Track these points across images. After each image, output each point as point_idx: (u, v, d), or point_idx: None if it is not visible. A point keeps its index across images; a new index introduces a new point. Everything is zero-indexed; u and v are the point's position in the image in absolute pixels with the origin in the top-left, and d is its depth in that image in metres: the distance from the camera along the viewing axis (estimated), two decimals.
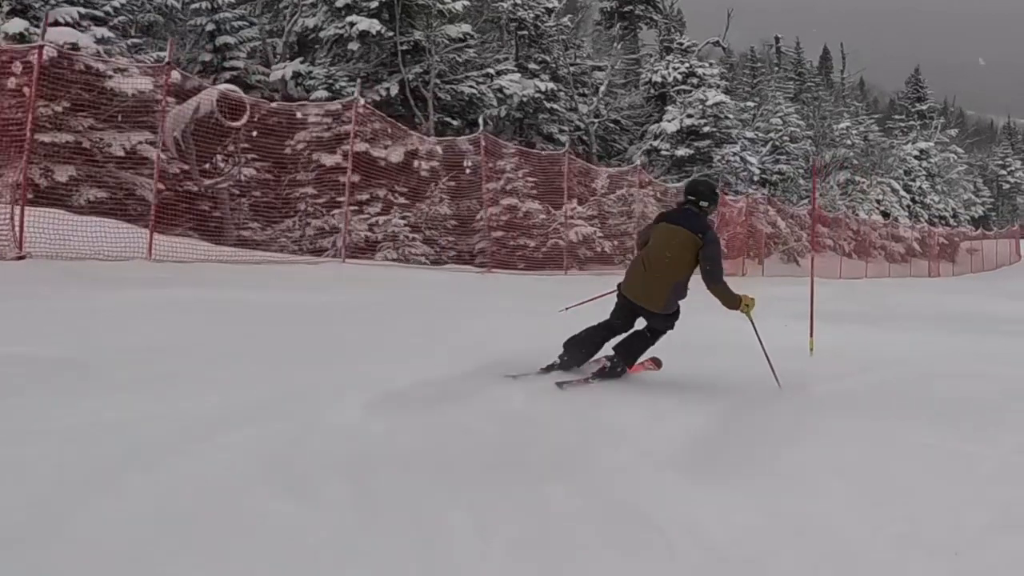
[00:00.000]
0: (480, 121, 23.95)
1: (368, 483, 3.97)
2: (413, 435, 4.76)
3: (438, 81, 27.41)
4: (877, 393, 7.41)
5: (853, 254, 37.42)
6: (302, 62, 27.85)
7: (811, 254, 13.35)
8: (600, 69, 33.87)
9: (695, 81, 35.12)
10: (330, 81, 26.82)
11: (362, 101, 21.33)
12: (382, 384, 5.67)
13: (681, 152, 29.44)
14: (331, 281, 13.12)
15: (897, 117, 58.35)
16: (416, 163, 23.51)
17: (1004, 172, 77.08)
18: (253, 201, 21.89)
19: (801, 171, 38.14)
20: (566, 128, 29.48)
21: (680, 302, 7.05)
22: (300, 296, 10.81)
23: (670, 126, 29.79)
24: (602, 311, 7.27)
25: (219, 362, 6.21)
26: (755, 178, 33.46)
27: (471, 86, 27.92)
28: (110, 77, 16.73)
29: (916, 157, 49.45)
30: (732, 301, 6.84)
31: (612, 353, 7.01)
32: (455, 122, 27.04)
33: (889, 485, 4.44)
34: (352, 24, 26.37)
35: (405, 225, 23.25)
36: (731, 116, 30.11)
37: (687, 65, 34.13)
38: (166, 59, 15.78)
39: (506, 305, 12.00)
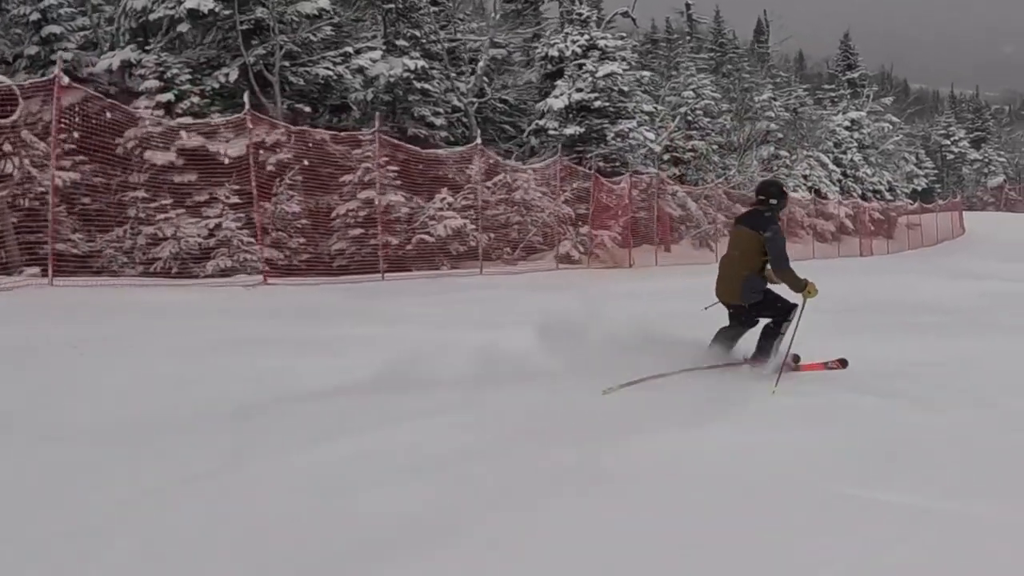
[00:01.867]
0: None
1: None
2: None
3: (287, 63, 24.65)
4: None
5: None
6: (133, 50, 25.04)
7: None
8: (497, 46, 31.34)
9: (597, 55, 32.69)
10: (161, 69, 24.00)
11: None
12: None
13: (571, 130, 26.93)
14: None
15: (827, 87, 56.17)
16: (262, 156, 21.30)
17: (948, 142, 75.72)
18: (80, 208, 19.61)
19: (715, 147, 35.84)
20: (441, 110, 26.85)
21: (777, 290, 7.96)
22: None
23: (557, 102, 27.29)
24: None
25: None
26: (660, 156, 31.16)
27: (327, 68, 25.20)
28: None
29: (847, 128, 47.35)
30: (797, 285, 7.69)
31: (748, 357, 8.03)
32: (307, 108, 24.27)
33: None
34: (180, 2, 23.62)
35: (240, 228, 20.75)
36: (626, 88, 27.58)
37: (587, 37, 31.59)
38: None
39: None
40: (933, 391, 7.53)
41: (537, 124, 27.78)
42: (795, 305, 7.95)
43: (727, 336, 8.13)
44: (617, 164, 26.85)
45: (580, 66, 27.71)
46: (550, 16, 38.65)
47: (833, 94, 52.92)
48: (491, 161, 22.75)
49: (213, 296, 13.11)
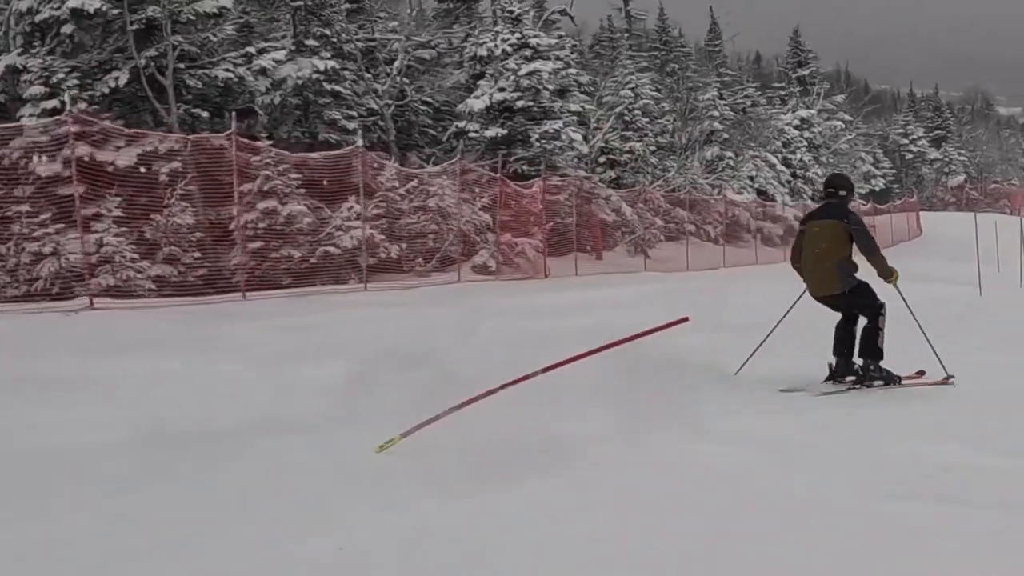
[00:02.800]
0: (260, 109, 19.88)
1: None
2: None
3: (182, 66, 23.30)
4: None
5: (721, 239, 34.15)
6: (20, 54, 23.68)
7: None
8: (425, 46, 30.11)
9: (528, 53, 31.53)
10: (47, 74, 22.60)
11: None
12: None
13: (492, 132, 25.70)
14: None
15: (777, 85, 55.32)
16: (155, 166, 20.03)
17: (906, 141, 75.27)
18: None
19: (653, 149, 34.75)
20: (355, 114, 25.59)
21: (862, 279, 8.25)
22: None
23: (477, 103, 26.11)
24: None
25: None
26: (595, 158, 30.06)
27: (227, 70, 23.84)
28: None
29: (797, 127, 46.42)
30: (886, 272, 8.25)
31: (860, 362, 8.22)
32: (204, 113, 22.91)
33: None
34: (63, 1, 22.31)
35: (127, 244, 19.41)
36: (551, 87, 26.40)
37: (518, 35, 30.36)
38: None
39: None
40: None
41: (457, 127, 26.55)
42: (884, 303, 8.32)
43: (844, 339, 8.47)
44: (542, 167, 25.64)
45: (504, 65, 26.49)
46: (487, 16, 37.51)
47: (783, 92, 51.93)
48: (375, 165, 21.42)
49: (20, 324, 11.65)
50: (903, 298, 8.48)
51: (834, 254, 8.16)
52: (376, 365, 6.95)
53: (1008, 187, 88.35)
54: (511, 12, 33.35)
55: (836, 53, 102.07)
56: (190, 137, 21.11)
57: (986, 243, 27.98)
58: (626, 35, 45.31)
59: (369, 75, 27.18)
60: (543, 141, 25.90)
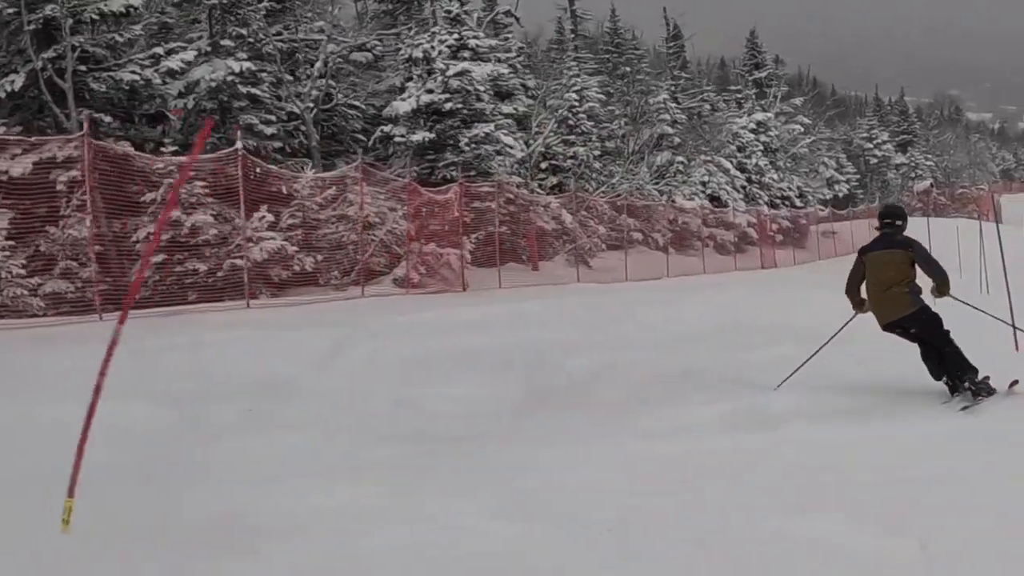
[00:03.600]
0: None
1: None
2: None
3: (84, 68, 22.02)
4: None
5: (670, 248, 33.13)
6: None
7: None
8: (360, 48, 28.95)
9: (468, 55, 30.45)
10: None
11: None
12: None
13: (419, 136, 24.55)
14: None
15: (733, 88, 54.42)
16: (53, 174, 18.86)
17: (871, 146, 74.74)
18: None
19: (597, 154, 33.69)
20: (274, 118, 24.41)
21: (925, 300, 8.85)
22: None
23: (403, 105, 24.95)
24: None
25: None
26: (536, 164, 29.02)
27: (134, 72, 22.57)
28: None
29: (752, 131, 45.52)
30: (947, 289, 8.85)
31: (953, 384, 8.56)
32: (107, 119, 21.62)
33: None
34: None
35: (15, 259, 18.21)
36: (481, 89, 25.32)
37: (456, 36, 29.22)
38: None
39: None
40: None
41: (383, 131, 25.39)
42: (948, 330, 8.77)
43: (936, 365, 8.76)
44: (474, 174, 24.53)
45: (433, 66, 25.37)
46: (430, 19, 36.40)
47: (739, 95, 51.01)
48: (257, 170, 20.24)
49: None
50: (964, 302, 9.40)
51: (903, 279, 8.63)
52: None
53: (976, 191, 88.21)
54: (448, 12, 32.36)
55: (808, 57, 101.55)
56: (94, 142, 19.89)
57: (950, 249, 27.16)
58: (572, 36, 44.22)
59: (291, 77, 26.00)
60: (473, 146, 24.77)
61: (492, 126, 25.04)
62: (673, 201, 35.75)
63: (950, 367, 8.54)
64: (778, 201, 44.60)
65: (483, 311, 15.34)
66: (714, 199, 38.48)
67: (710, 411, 7.91)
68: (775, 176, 45.03)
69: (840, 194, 61.44)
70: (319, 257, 21.14)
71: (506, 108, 27.56)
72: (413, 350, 10.73)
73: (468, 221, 23.43)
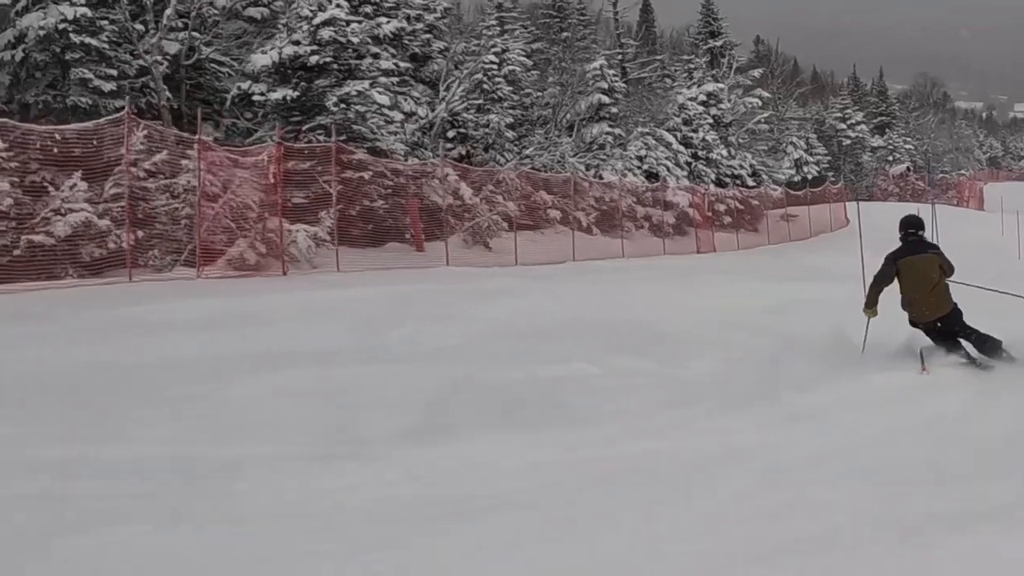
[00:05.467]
0: None
1: None
2: None
3: None
4: None
5: (594, 228, 30.07)
6: None
7: None
8: None
9: (369, 10, 27.39)
10: None
11: None
12: None
13: (279, 94, 21.45)
14: None
15: (685, 57, 51.11)
16: None
17: (844, 126, 71.76)
18: None
19: (509, 121, 30.58)
20: (114, 73, 21.32)
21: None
22: None
23: (262, 59, 21.84)
24: None
25: None
26: (435, 131, 25.93)
27: None
28: None
29: (703, 103, 42.33)
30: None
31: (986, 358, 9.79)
32: None
33: None
34: None
35: None
36: (356, 39, 22.16)
37: None
38: None
39: None
40: None
41: (239, 88, 22.28)
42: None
43: (958, 344, 9.85)
44: (345, 139, 21.42)
45: (298, 12, 22.23)
46: None
47: (691, 65, 47.69)
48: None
49: None
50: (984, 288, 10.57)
51: (942, 281, 9.83)
52: None
53: (956, 177, 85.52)
54: None
55: (794, 45, 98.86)
56: None
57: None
58: None
59: (142, 28, 22.85)
60: (343, 106, 21.64)
61: (367, 83, 21.90)
62: (600, 177, 32.67)
63: (985, 348, 9.66)
64: (727, 180, 41.50)
65: (253, 303, 12.43)
66: (652, 176, 35.37)
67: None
68: (724, 152, 41.86)
69: (809, 176, 58.49)
70: (139, 233, 18.09)
71: (385, 64, 24.36)
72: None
73: (335, 193, 20.34)
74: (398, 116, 24.13)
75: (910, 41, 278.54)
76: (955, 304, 9.80)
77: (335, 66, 21.99)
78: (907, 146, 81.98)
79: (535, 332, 10.88)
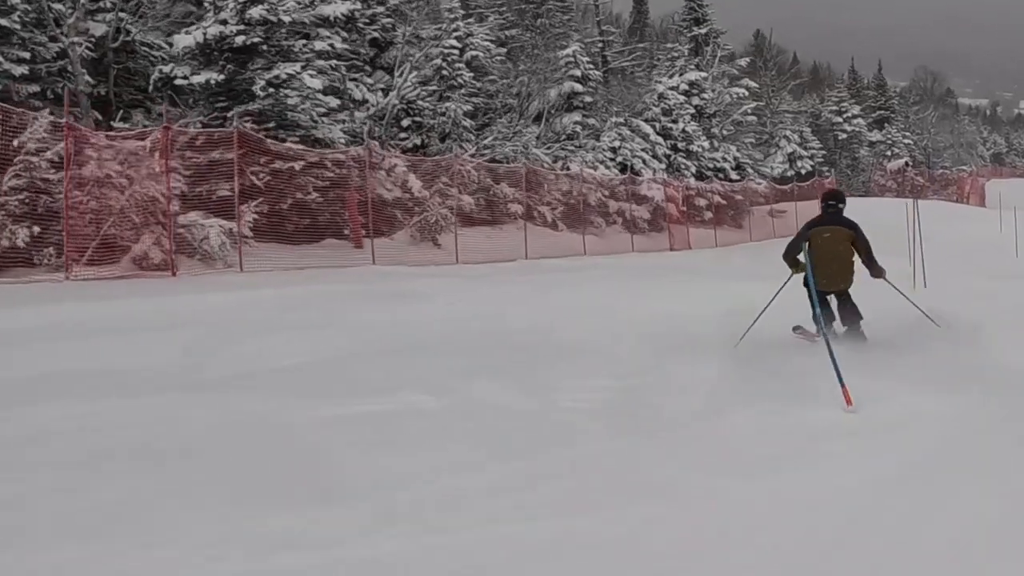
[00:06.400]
0: None
1: None
2: None
3: None
4: None
5: (560, 223, 28.51)
6: None
7: None
8: None
9: None
10: None
11: None
12: None
13: (203, 78, 19.90)
14: None
15: (668, 45, 49.39)
16: None
17: (840, 120, 70.10)
18: None
19: (467, 108, 29.02)
20: (27, 56, 19.81)
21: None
22: None
23: (185, 39, 20.28)
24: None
25: None
26: (388, 119, 24.39)
27: None
28: None
29: (685, 92, 40.72)
30: (879, 273, 10.44)
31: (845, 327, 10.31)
32: None
33: None
34: None
35: None
36: (288, 19, 20.58)
37: None
38: None
39: None
40: None
41: (161, 71, 20.71)
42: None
43: (831, 313, 10.32)
44: (273, 126, 19.89)
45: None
46: None
47: (674, 54, 45.96)
48: None
49: None
50: (897, 290, 10.94)
51: (850, 256, 10.24)
52: None
53: (956, 173, 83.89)
54: None
55: (794, 41, 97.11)
56: None
57: (898, 232, 23.33)
58: None
59: (60, 7, 21.28)
60: (271, 90, 20.08)
61: (298, 67, 20.33)
62: (567, 168, 31.04)
63: (846, 311, 10.15)
64: (709, 173, 39.87)
65: (99, 311, 10.85)
66: (626, 168, 33.78)
67: None
68: (706, 144, 40.19)
69: (803, 170, 56.94)
70: (36, 229, 16.55)
71: (320, 45, 22.77)
72: None
73: (260, 185, 18.80)
74: (334, 102, 22.53)
75: (914, 37, 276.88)
76: (852, 282, 10.19)
77: (265, 47, 20.45)
78: (906, 141, 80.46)
79: (406, 346, 9.27)
